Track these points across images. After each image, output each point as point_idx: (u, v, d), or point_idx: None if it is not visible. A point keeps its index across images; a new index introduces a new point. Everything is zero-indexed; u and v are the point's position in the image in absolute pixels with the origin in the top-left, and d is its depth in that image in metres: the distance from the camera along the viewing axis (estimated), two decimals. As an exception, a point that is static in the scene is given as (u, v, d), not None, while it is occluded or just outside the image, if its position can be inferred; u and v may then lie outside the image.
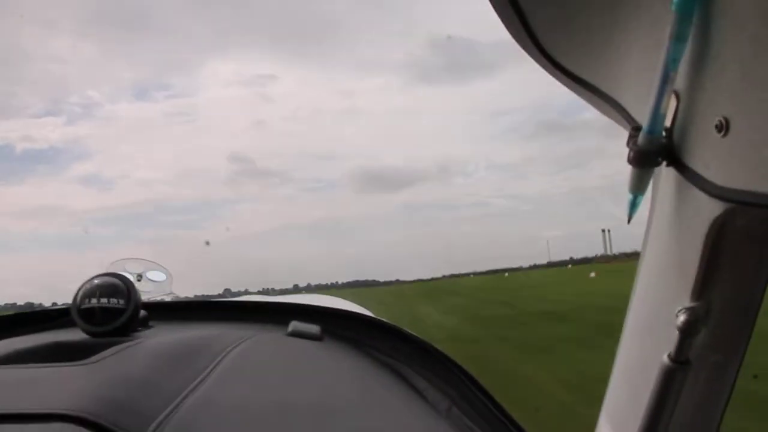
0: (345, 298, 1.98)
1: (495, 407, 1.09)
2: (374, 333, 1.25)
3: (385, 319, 1.29)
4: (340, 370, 1.05)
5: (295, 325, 1.19)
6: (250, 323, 1.25)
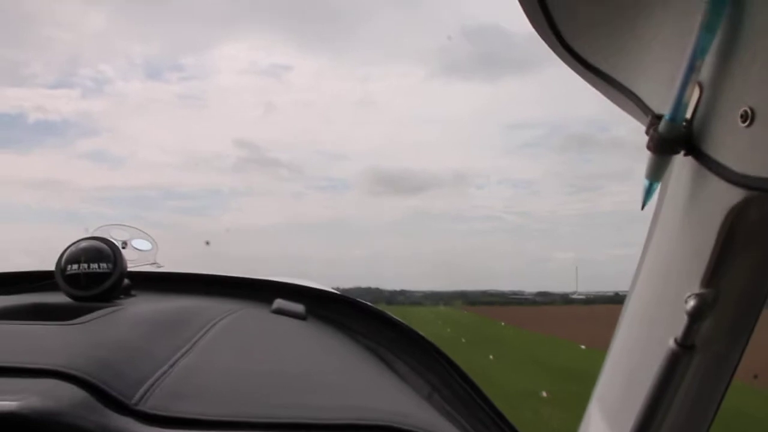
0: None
1: (477, 394, 1.08)
2: (358, 316, 1.24)
3: (369, 303, 1.27)
4: (323, 349, 1.04)
5: (279, 302, 1.18)
6: (234, 298, 1.24)
